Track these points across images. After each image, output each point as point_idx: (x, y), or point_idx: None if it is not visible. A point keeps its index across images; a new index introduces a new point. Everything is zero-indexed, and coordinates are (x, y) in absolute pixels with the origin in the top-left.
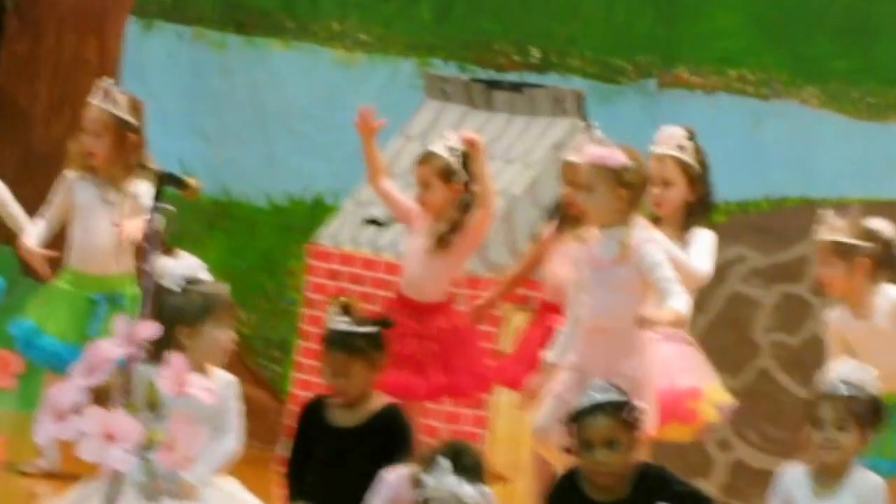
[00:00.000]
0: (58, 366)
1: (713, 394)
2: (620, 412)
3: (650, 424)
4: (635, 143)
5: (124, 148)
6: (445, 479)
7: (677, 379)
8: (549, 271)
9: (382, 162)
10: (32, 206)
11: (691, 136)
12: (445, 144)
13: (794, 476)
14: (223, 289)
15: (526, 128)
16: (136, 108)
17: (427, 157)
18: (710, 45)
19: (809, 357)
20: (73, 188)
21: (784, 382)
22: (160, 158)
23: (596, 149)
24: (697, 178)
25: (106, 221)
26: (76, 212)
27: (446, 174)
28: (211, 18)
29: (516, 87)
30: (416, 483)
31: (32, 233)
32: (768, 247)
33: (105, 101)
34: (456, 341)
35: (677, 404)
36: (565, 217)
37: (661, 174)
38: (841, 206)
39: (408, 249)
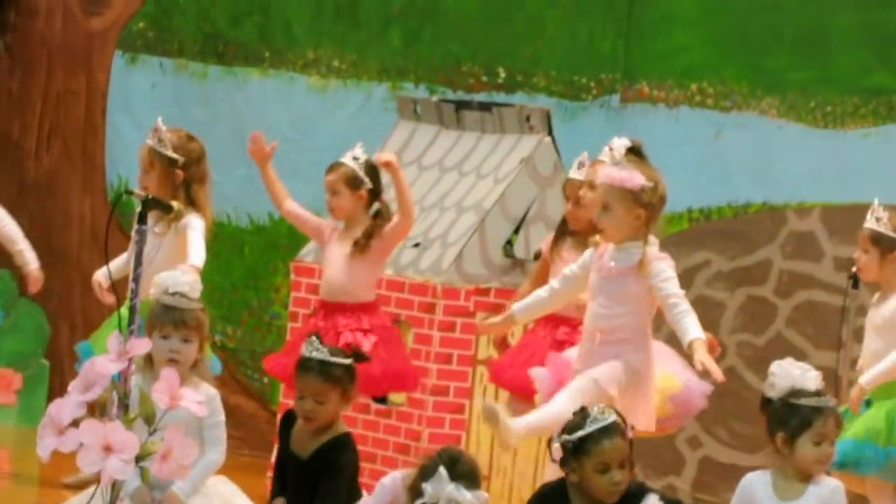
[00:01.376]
0: None
1: (662, 382)
2: (625, 432)
3: (646, 424)
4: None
5: (170, 181)
6: (444, 487)
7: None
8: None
9: (280, 184)
10: (29, 234)
11: (636, 150)
12: (352, 155)
13: (757, 482)
14: (185, 304)
15: (496, 145)
16: (184, 144)
17: (334, 167)
18: (671, 60)
19: (774, 356)
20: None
21: (750, 380)
22: None
23: (615, 170)
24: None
25: (155, 253)
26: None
27: (352, 181)
28: (192, 50)
29: (485, 107)
30: (414, 490)
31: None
32: (732, 251)
33: (153, 139)
34: (387, 337)
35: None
36: (565, 231)
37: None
38: (802, 211)
39: (326, 260)
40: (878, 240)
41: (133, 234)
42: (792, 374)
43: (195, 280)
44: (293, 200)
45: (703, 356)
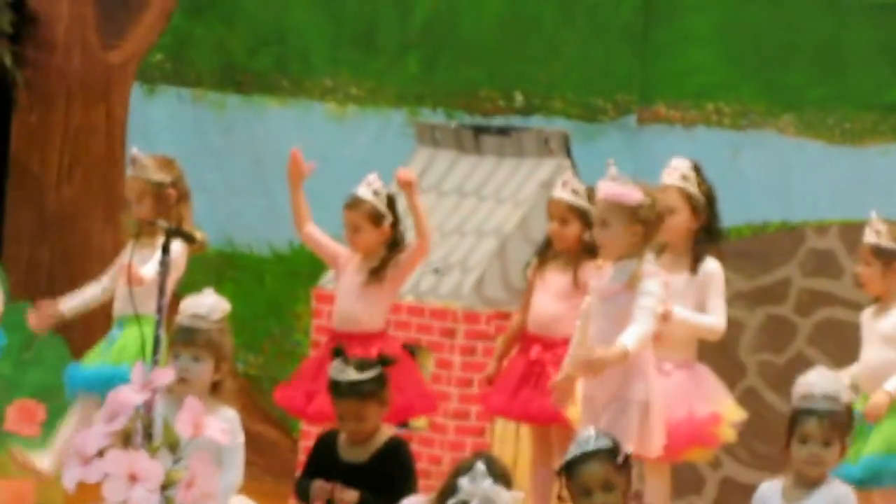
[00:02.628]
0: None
1: (730, 414)
2: (613, 458)
3: (658, 446)
4: None
5: (164, 204)
6: (481, 482)
7: (696, 407)
8: (533, 303)
9: (306, 207)
10: (49, 266)
11: (697, 168)
12: (371, 188)
13: (768, 489)
14: (197, 324)
15: (514, 169)
16: (165, 165)
17: (355, 203)
18: (687, 80)
19: (794, 375)
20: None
21: (770, 400)
22: None
23: (613, 186)
24: (700, 208)
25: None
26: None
27: (375, 218)
28: (210, 80)
29: (503, 131)
30: (443, 494)
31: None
32: (751, 270)
33: (134, 169)
34: (399, 365)
35: (699, 431)
36: (549, 251)
37: (664, 203)
38: (821, 229)
39: (340, 288)
40: (879, 253)
41: (158, 264)
42: (807, 381)
43: (216, 301)
44: (314, 225)
45: (600, 353)
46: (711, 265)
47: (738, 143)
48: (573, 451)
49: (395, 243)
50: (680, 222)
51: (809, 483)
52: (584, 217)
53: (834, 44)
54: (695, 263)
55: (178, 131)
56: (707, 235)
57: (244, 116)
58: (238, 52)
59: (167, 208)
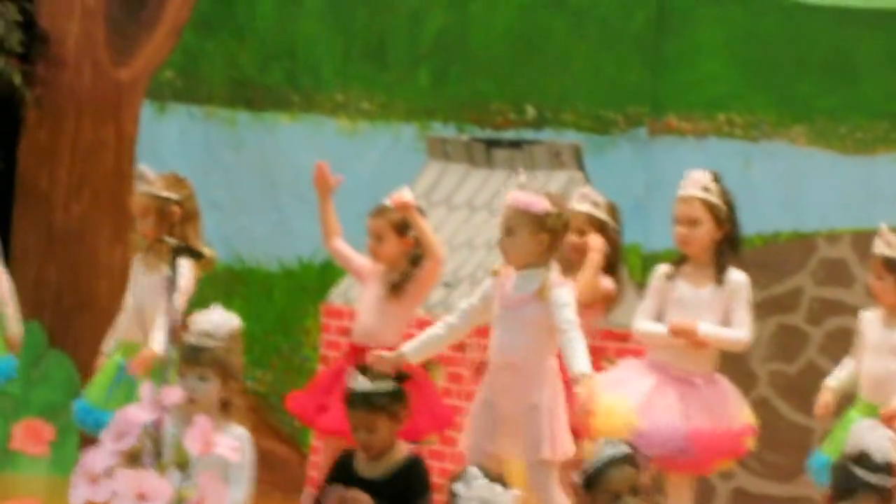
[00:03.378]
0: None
1: (755, 424)
2: (634, 462)
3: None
4: (629, 190)
5: (168, 221)
6: (477, 484)
7: (729, 419)
8: None
9: (335, 220)
10: (56, 284)
11: (717, 179)
12: (398, 198)
13: None
14: (202, 342)
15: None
16: (174, 183)
17: (381, 211)
18: (698, 91)
19: (806, 384)
20: (133, 269)
21: (783, 410)
22: None
23: (520, 194)
24: (724, 218)
25: (143, 292)
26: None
27: (400, 228)
28: (221, 97)
29: (515, 144)
30: (450, 496)
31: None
32: (763, 280)
33: (141, 185)
34: (414, 383)
35: (734, 442)
36: (567, 263)
37: (688, 214)
38: (832, 238)
39: (361, 301)
40: (892, 265)
41: (164, 281)
42: (865, 440)
43: (223, 319)
44: (342, 239)
45: (584, 391)
46: (738, 276)
47: (749, 154)
48: (595, 462)
49: (417, 257)
50: (704, 234)
51: None
52: (601, 230)
53: (844, 54)
54: (720, 274)
55: (189, 148)
56: (729, 246)
57: (255, 132)
58: (249, 68)
59: (170, 226)
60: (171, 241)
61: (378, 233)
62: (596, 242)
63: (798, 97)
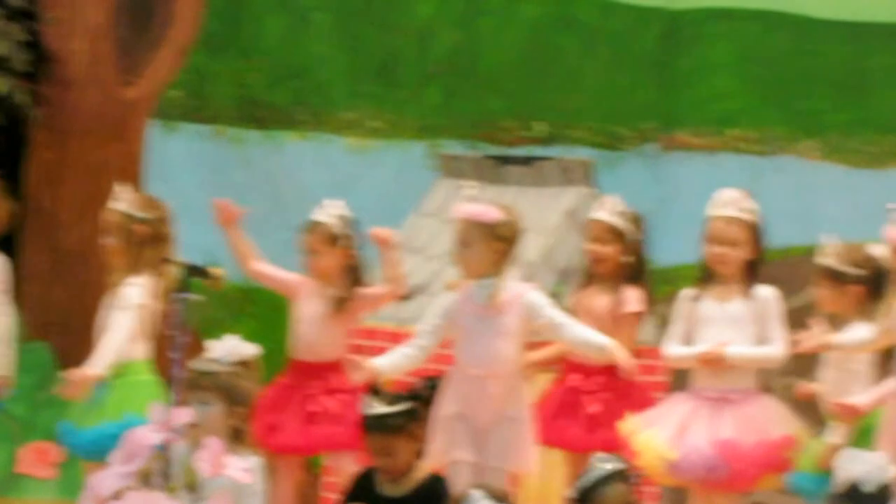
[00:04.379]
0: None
1: (802, 439)
2: (627, 478)
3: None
4: (641, 206)
5: (132, 242)
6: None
7: (768, 431)
8: None
9: (248, 245)
10: (64, 304)
11: (748, 198)
12: (329, 212)
13: None
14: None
15: (537, 198)
16: (151, 206)
17: (313, 226)
18: (708, 107)
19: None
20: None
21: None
22: (187, 251)
23: (471, 206)
24: (758, 238)
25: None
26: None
27: (332, 240)
28: (229, 116)
29: (525, 161)
30: None
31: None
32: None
33: (114, 202)
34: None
35: (774, 455)
36: (589, 274)
37: (728, 235)
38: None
39: (300, 316)
40: (832, 275)
41: (174, 302)
42: (852, 472)
43: (234, 346)
44: (259, 260)
45: (621, 355)
46: (767, 291)
47: (760, 169)
48: (589, 477)
49: (354, 269)
50: (741, 254)
51: None
52: (623, 240)
53: (855, 69)
54: (749, 290)
55: (197, 167)
56: (758, 264)
57: (264, 151)
58: (257, 87)
59: (137, 247)
60: (181, 260)
61: (313, 248)
62: (632, 297)
63: (809, 112)
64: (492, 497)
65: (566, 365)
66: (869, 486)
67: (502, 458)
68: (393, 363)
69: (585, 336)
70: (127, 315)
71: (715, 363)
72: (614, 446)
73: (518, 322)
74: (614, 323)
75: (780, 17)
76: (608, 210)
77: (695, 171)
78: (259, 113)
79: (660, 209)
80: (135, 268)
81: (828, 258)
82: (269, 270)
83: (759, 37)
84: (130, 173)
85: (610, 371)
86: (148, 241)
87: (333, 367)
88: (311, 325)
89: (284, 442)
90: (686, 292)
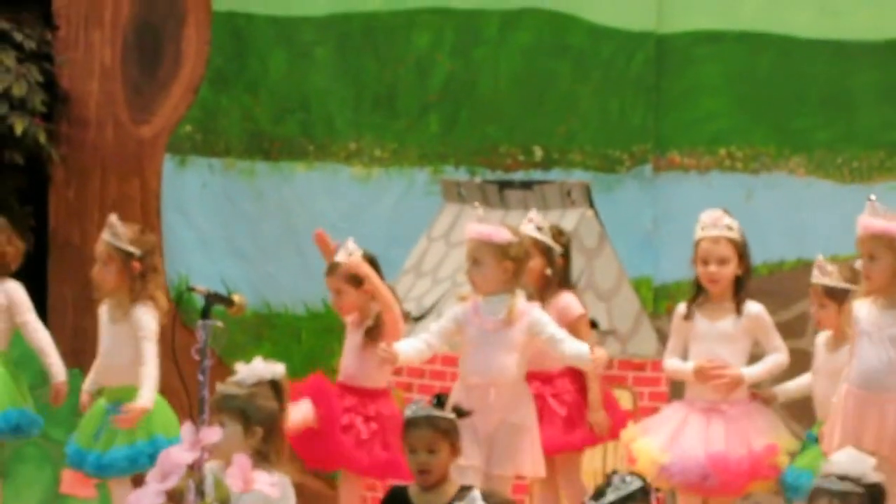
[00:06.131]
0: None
1: (787, 445)
2: (646, 496)
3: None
4: (638, 225)
5: (129, 275)
6: None
7: (753, 441)
8: None
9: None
10: (94, 332)
11: (730, 215)
12: (346, 252)
13: None
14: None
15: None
16: (140, 239)
17: (333, 268)
18: (699, 128)
19: None
20: (101, 316)
21: (795, 431)
22: (204, 280)
23: (482, 226)
24: (744, 253)
25: (110, 340)
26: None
27: (354, 280)
28: (239, 149)
29: (526, 185)
30: None
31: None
32: (770, 308)
33: (109, 234)
34: (395, 424)
35: (758, 465)
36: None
37: (717, 254)
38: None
39: (345, 346)
40: (831, 293)
41: (198, 327)
42: (832, 460)
43: (254, 368)
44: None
45: (600, 353)
46: (755, 307)
47: (751, 186)
48: (611, 496)
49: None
50: (730, 271)
51: None
52: (546, 253)
53: (840, 86)
54: (739, 307)
55: (211, 200)
56: (745, 280)
57: (273, 182)
58: (264, 121)
59: (131, 279)
60: (201, 289)
61: (336, 288)
62: (571, 302)
63: (796, 130)
64: (491, 500)
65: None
66: (857, 484)
67: (507, 465)
68: (406, 352)
69: (579, 349)
70: (154, 344)
71: (734, 386)
72: (588, 443)
73: (522, 337)
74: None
75: (766, 38)
76: (532, 225)
77: (688, 190)
78: (267, 145)
79: (657, 228)
80: (138, 298)
81: (827, 277)
82: None
83: (746, 58)
84: (150, 207)
85: (566, 373)
86: (142, 275)
87: (372, 395)
88: (351, 356)
89: (323, 461)
90: (680, 308)
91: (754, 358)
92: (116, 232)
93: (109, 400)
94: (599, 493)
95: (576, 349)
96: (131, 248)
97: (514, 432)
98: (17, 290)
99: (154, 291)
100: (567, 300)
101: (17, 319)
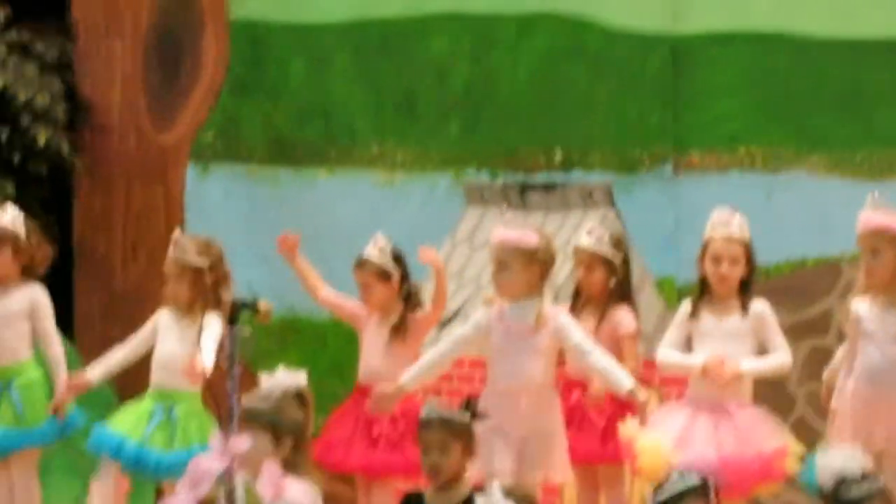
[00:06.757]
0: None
1: (794, 447)
2: (705, 494)
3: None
4: (659, 225)
5: (202, 288)
6: (496, 499)
7: (763, 443)
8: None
9: (315, 275)
10: (121, 342)
11: (739, 215)
12: (377, 247)
13: None
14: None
15: (561, 222)
16: (207, 249)
17: (362, 263)
18: (717, 128)
19: None
20: (159, 321)
21: (820, 428)
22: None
23: (510, 231)
24: (752, 253)
25: (177, 344)
26: (159, 338)
27: (383, 275)
28: (261, 156)
29: (548, 187)
30: None
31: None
32: (793, 305)
33: (175, 250)
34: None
35: (769, 466)
36: (579, 298)
37: (730, 254)
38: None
39: (365, 345)
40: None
41: (227, 335)
42: (834, 466)
43: (279, 379)
44: (328, 288)
45: (642, 401)
46: (762, 305)
47: (771, 185)
48: (668, 490)
49: (409, 296)
50: (740, 271)
51: None
52: (608, 264)
53: (856, 84)
54: (746, 305)
55: (234, 207)
56: (751, 280)
57: (296, 188)
58: (285, 127)
59: (204, 291)
60: (232, 296)
61: (365, 283)
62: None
63: (814, 128)
64: (511, 494)
65: (564, 381)
66: (851, 473)
67: (537, 471)
68: (415, 376)
69: (608, 370)
70: (216, 333)
71: (730, 377)
72: (624, 456)
73: (549, 342)
74: (612, 344)
75: (780, 38)
76: (594, 238)
77: (708, 190)
78: (289, 152)
79: (677, 228)
80: (211, 306)
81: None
82: (338, 299)
83: (761, 58)
84: (174, 215)
85: None
86: (214, 285)
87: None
88: (375, 353)
89: (349, 465)
90: (686, 305)
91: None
92: (183, 247)
93: (160, 401)
94: (659, 488)
95: (609, 369)
96: (199, 262)
97: (544, 438)
98: (42, 296)
99: (227, 301)
100: (622, 315)
101: (36, 324)
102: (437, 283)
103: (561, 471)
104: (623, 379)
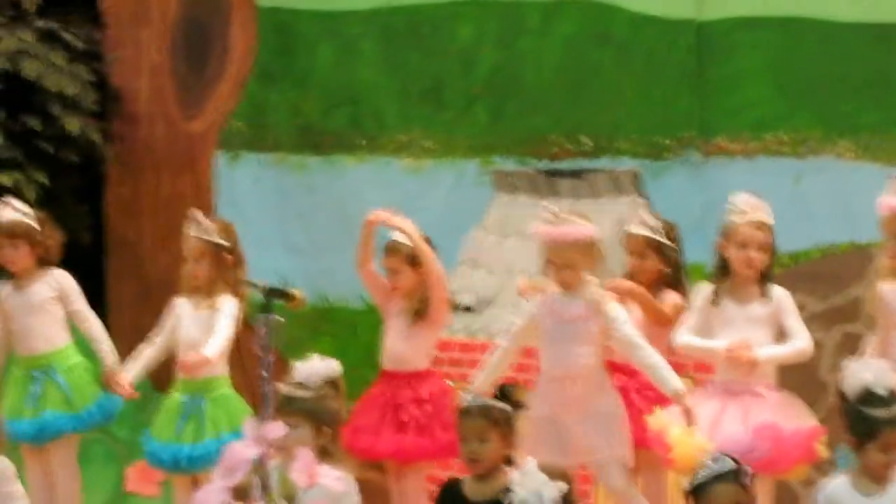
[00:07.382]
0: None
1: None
2: (740, 478)
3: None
4: (687, 211)
5: (223, 268)
6: (531, 476)
7: (801, 421)
8: None
9: (371, 249)
10: (152, 330)
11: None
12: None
13: (836, 487)
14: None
15: (591, 209)
16: (226, 230)
17: (394, 248)
18: (744, 113)
19: None
20: (177, 309)
21: None
22: (262, 276)
23: (560, 228)
24: (773, 241)
25: (197, 331)
26: (179, 329)
27: (413, 260)
28: (289, 144)
29: (576, 174)
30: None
31: (130, 369)
32: (823, 292)
33: (197, 230)
34: (447, 404)
35: (808, 444)
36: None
37: (757, 239)
38: None
39: (389, 329)
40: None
41: (258, 323)
42: (863, 378)
43: (316, 368)
44: (373, 264)
45: (686, 405)
46: (781, 290)
47: (799, 170)
48: (704, 473)
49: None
50: (765, 258)
51: (878, 477)
52: (660, 251)
53: (884, 69)
54: (767, 290)
55: (263, 195)
56: (772, 263)
57: (325, 176)
58: (313, 115)
59: (225, 271)
60: (262, 283)
61: (394, 268)
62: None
63: (841, 113)
64: (548, 473)
65: (609, 365)
66: (880, 390)
67: (595, 452)
68: (487, 376)
69: (657, 367)
70: (231, 321)
71: (746, 365)
72: (655, 447)
73: (598, 329)
74: (655, 330)
75: (806, 23)
76: (644, 225)
77: (736, 175)
78: (317, 139)
79: (705, 214)
80: (224, 290)
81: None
82: (380, 278)
83: (787, 43)
84: (204, 203)
85: None
86: (234, 266)
87: (420, 377)
88: (397, 338)
89: (379, 451)
90: (706, 290)
91: None
92: (205, 227)
93: (186, 392)
94: (693, 474)
95: (656, 367)
96: (222, 241)
97: (604, 419)
98: (67, 278)
99: (239, 283)
100: (671, 297)
101: (68, 308)
102: (419, 251)
103: (624, 448)
104: (671, 380)
